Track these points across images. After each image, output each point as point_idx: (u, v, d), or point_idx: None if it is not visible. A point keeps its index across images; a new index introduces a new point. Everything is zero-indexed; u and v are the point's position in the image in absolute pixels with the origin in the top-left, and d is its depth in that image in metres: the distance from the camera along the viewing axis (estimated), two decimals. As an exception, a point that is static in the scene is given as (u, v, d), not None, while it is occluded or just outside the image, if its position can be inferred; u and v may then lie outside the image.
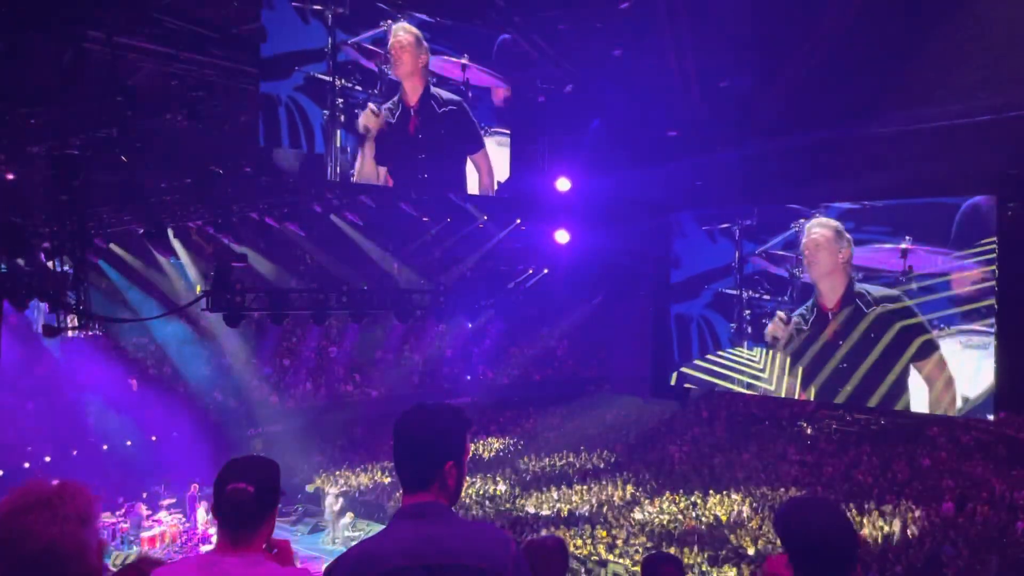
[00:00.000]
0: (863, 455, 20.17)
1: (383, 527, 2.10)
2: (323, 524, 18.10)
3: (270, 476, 2.28)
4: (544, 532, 15.68)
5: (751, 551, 14.66)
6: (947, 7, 8.93)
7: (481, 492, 19.45)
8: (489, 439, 24.40)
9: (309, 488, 20.37)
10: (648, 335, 14.91)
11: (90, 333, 12.90)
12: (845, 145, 11.34)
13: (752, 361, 13.40)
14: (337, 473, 21.09)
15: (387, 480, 20.04)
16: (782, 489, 18.21)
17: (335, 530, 16.68)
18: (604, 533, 15.97)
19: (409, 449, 2.08)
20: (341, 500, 17.21)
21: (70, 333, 12.35)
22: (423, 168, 10.11)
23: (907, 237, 11.42)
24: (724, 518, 16.85)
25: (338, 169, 9.27)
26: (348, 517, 16.56)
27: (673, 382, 14.45)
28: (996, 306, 10.63)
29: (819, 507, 2.17)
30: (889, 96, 10.26)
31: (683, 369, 14.26)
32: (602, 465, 21.59)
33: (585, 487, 19.40)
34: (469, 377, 27.51)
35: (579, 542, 15.44)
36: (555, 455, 22.54)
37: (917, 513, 16.19)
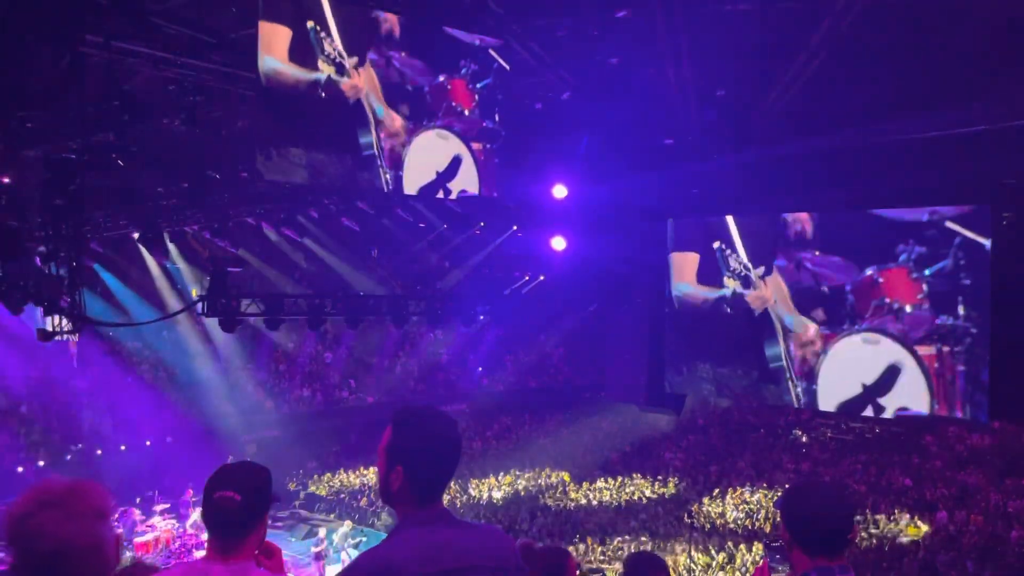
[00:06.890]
0: (858, 463, 20.18)
1: (382, 534, 2.10)
2: (317, 531, 17.99)
3: (259, 483, 2.25)
4: (538, 541, 15.65)
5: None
6: (943, 17, 8.99)
7: (476, 499, 19.40)
8: (484, 446, 24.33)
9: (302, 495, 20.28)
10: (644, 343, 14.90)
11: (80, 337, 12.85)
12: (840, 154, 11.38)
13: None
14: (328, 475, 21.05)
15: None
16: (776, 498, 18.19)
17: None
18: (599, 544, 15.93)
19: (452, 454, 2.08)
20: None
21: (64, 337, 12.29)
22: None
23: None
24: (719, 525, 16.83)
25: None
26: (347, 526, 16.38)
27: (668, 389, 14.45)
28: (990, 315, 10.64)
29: (819, 489, 2.34)
30: (884, 106, 10.31)
31: (678, 377, 14.25)
32: (597, 472, 21.55)
33: (580, 494, 19.36)
34: (465, 383, 27.47)
35: (572, 549, 15.40)
36: (550, 462, 22.48)
37: (911, 522, 16.19)
